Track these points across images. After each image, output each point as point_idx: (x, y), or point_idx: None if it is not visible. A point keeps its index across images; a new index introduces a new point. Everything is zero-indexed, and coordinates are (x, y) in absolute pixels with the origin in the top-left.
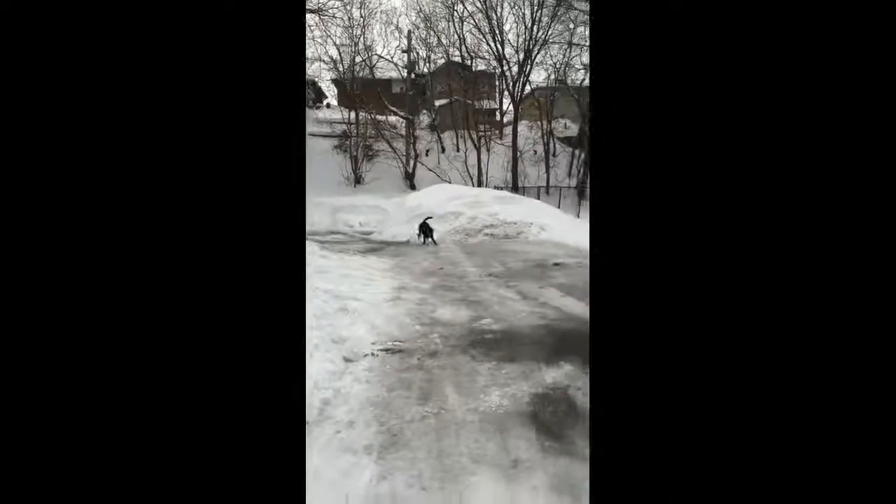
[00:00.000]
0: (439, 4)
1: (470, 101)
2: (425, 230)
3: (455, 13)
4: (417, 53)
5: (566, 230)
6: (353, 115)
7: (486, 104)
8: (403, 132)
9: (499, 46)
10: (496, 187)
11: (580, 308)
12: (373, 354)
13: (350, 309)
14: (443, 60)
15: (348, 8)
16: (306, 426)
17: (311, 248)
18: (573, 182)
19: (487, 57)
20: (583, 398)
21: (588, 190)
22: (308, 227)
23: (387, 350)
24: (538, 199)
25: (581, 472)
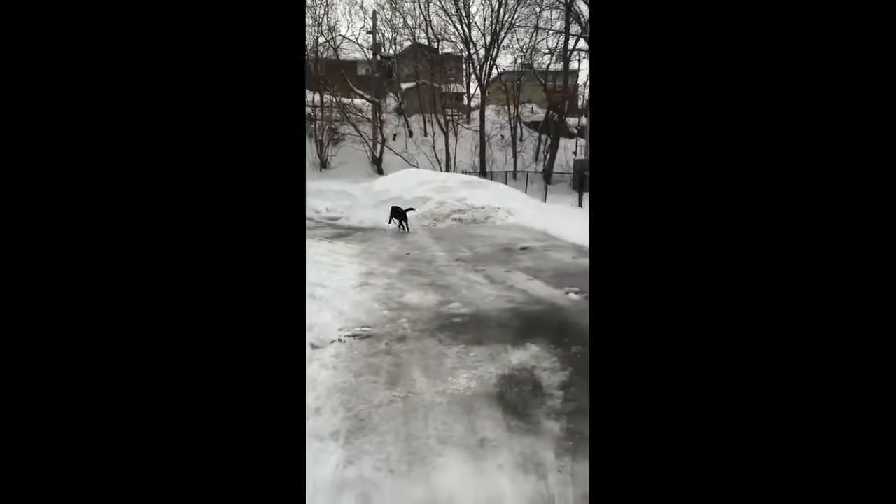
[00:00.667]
0: None
1: (437, 85)
2: (401, 216)
3: None
4: (383, 35)
5: (533, 214)
6: (317, 97)
7: (453, 88)
8: (370, 115)
9: (465, 29)
10: (464, 172)
11: (546, 291)
12: (340, 340)
13: (317, 296)
14: (409, 42)
15: None
16: None
17: None
18: (540, 167)
19: (454, 40)
20: (548, 378)
21: (553, 175)
22: None
23: (354, 336)
24: (506, 183)
25: (545, 450)
